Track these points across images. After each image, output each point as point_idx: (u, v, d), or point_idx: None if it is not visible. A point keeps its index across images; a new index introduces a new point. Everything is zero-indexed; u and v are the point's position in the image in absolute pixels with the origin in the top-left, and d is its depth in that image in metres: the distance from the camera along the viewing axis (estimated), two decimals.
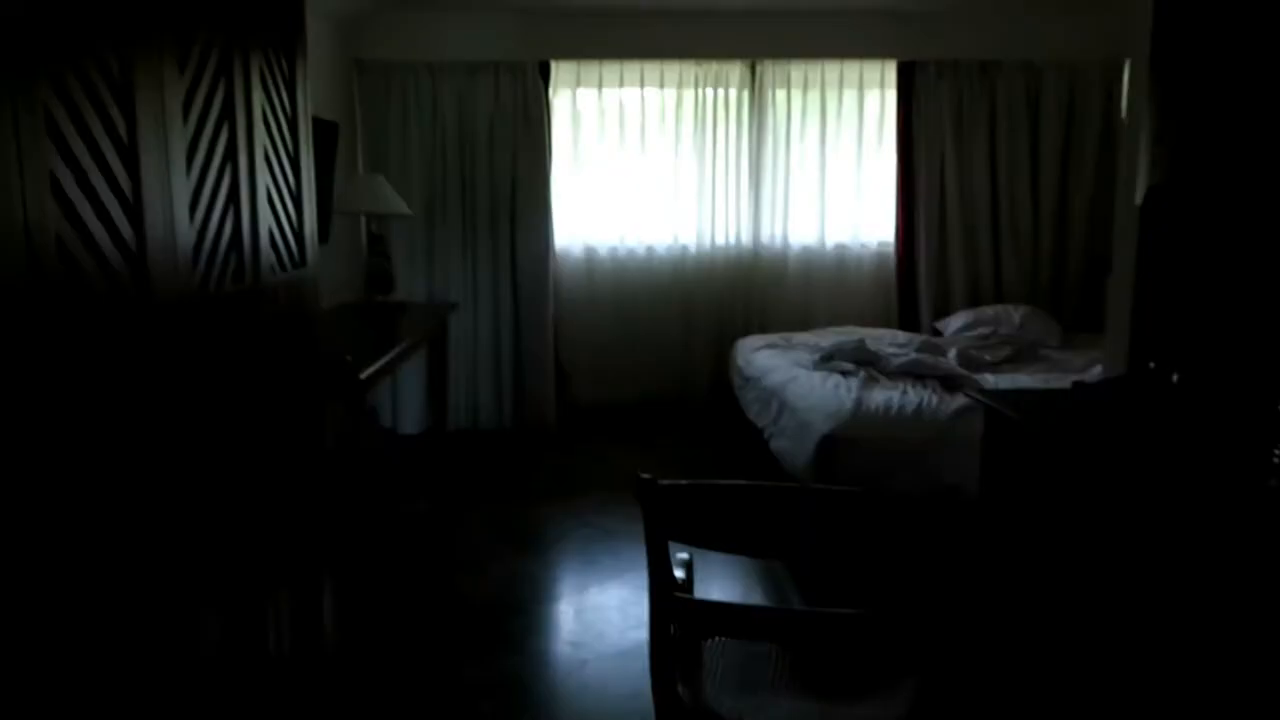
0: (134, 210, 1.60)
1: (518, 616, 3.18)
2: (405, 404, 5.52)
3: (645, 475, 1.63)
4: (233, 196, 2.02)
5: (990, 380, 4.00)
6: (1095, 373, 3.55)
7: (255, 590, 2.10)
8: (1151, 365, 2.41)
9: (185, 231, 1.78)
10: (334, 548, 2.75)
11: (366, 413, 4.41)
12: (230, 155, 2.01)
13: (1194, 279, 2.29)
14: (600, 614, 3.23)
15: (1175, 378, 2.25)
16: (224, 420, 1.96)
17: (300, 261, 2.44)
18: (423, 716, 2.57)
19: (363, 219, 5.22)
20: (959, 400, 3.57)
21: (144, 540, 1.60)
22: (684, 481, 1.63)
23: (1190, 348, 2.28)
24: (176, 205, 1.74)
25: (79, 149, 1.44)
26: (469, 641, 3.00)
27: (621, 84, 5.47)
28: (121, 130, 1.55)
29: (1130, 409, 2.22)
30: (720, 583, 3.18)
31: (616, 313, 5.70)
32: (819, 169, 5.56)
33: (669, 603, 1.68)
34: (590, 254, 5.66)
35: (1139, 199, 2.42)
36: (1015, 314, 5.01)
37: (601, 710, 2.63)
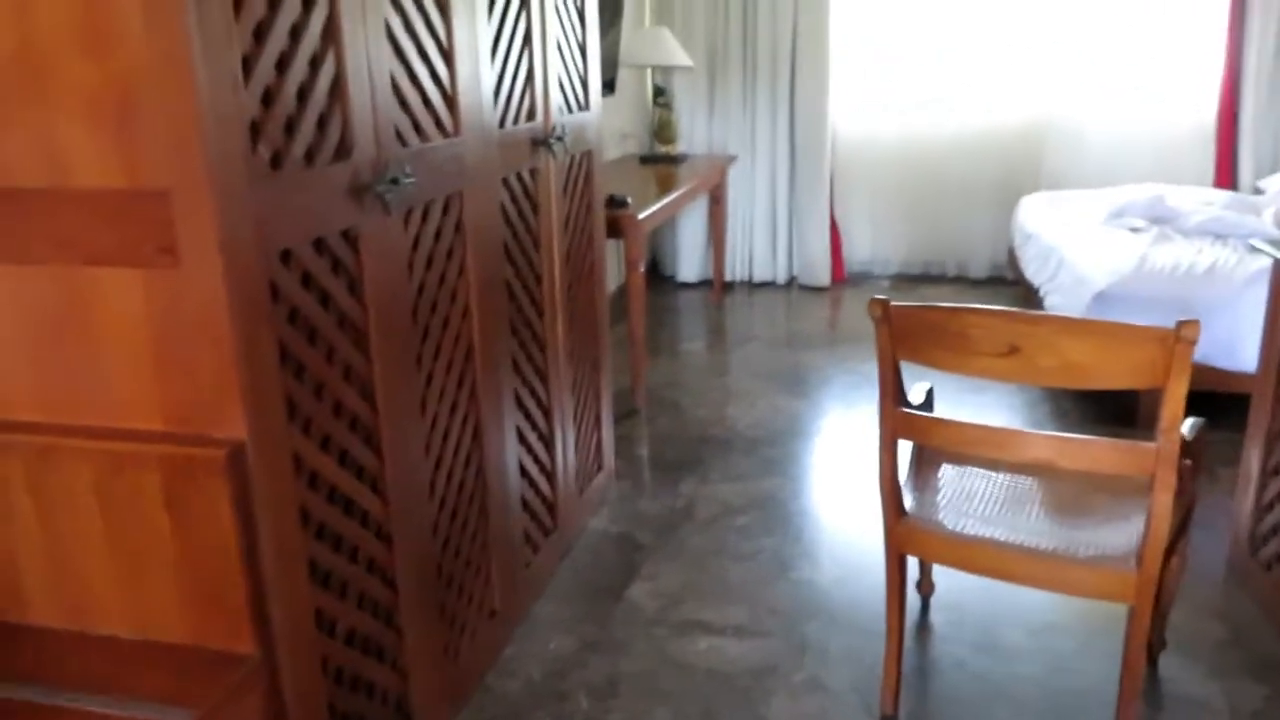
0: (447, 52, 1.88)
1: (778, 445, 3.42)
2: (685, 254, 5.80)
3: (880, 297, 1.75)
4: (526, 42, 2.27)
5: None
6: None
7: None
8: None
9: (487, 72, 2.05)
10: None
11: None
12: (524, 5, 2.26)
13: None
14: (854, 446, 3.40)
15: None
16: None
17: (584, 105, 2.69)
18: (686, 529, 2.88)
19: (648, 72, 5.43)
20: (1261, 261, 3.30)
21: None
22: (915, 304, 1.73)
23: None
24: (480, 48, 2.01)
25: (413, 57, 1.74)
26: (732, 464, 3.28)
27: None
28: (440, 31, 1.84)
29: None
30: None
31: (894, 172, 5.62)
32: (1132, 7, 5.07)
33: (894, 417, 1.82)
34: (869, 117, 5.58)
35: None
36: None
37: (847, 529, 2.83)
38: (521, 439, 2.37)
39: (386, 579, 1.75)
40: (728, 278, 5.69)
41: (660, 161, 5.03)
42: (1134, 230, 3.89)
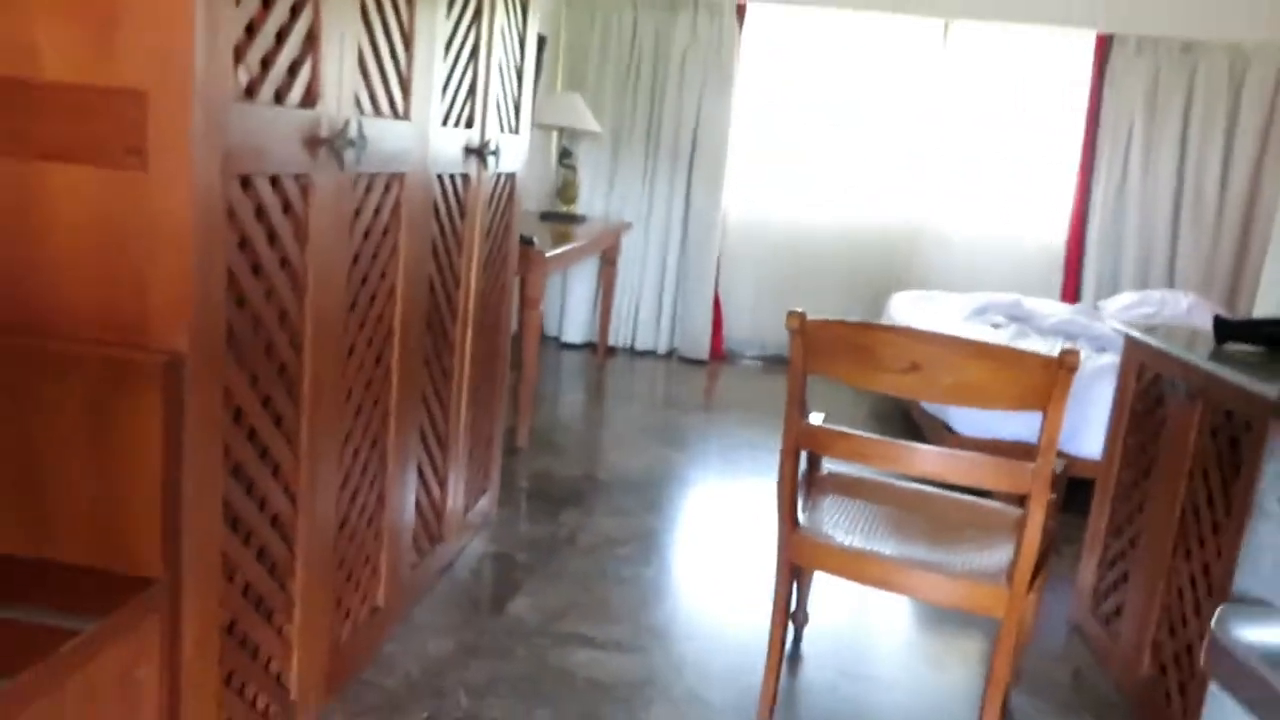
0: (408, 37, 1.95)
1: (659, 489, 3.49)
2: (572, 316, 5.89)
3: (798, 310, 1.88)
4: (473, 54, 2.36)
5: None
6: None
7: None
8: None
9: (440, 67, 2.13)
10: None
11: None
12: (476, 18, 2.36)
13: None
14: (731, 495, 3.51)
15: None
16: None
17: (514, 129, 2.78)
18: (567, 553, 2.89)
19: (554, 135, 5.59)
20: (1107, 358, 3.64)
21: None
22: (831, 319, 1.86)
23: None
24: (436, 43, 2.09)
25: (378, 32, 1.81)
26: (614, 502, 3.32)
27: (812, 38, 5.64)
28: (404, 16, 1.92)
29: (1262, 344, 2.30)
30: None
31: (777, 260, 5.91)
32: (1000, 137, 5.59)
33: (799, 426, 1.93)
34: (759, 203, 5.88)
35: None
36: (1184, 300, 4.93)
37: (725, 566, 2.91)
38: (423, 437, 2.36)
39: (287, 539, 1.71)
40: (611, 343, 5.80)
41: (559, 220, 5.15)
42: (995, 326, 4.22)
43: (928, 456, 1.85)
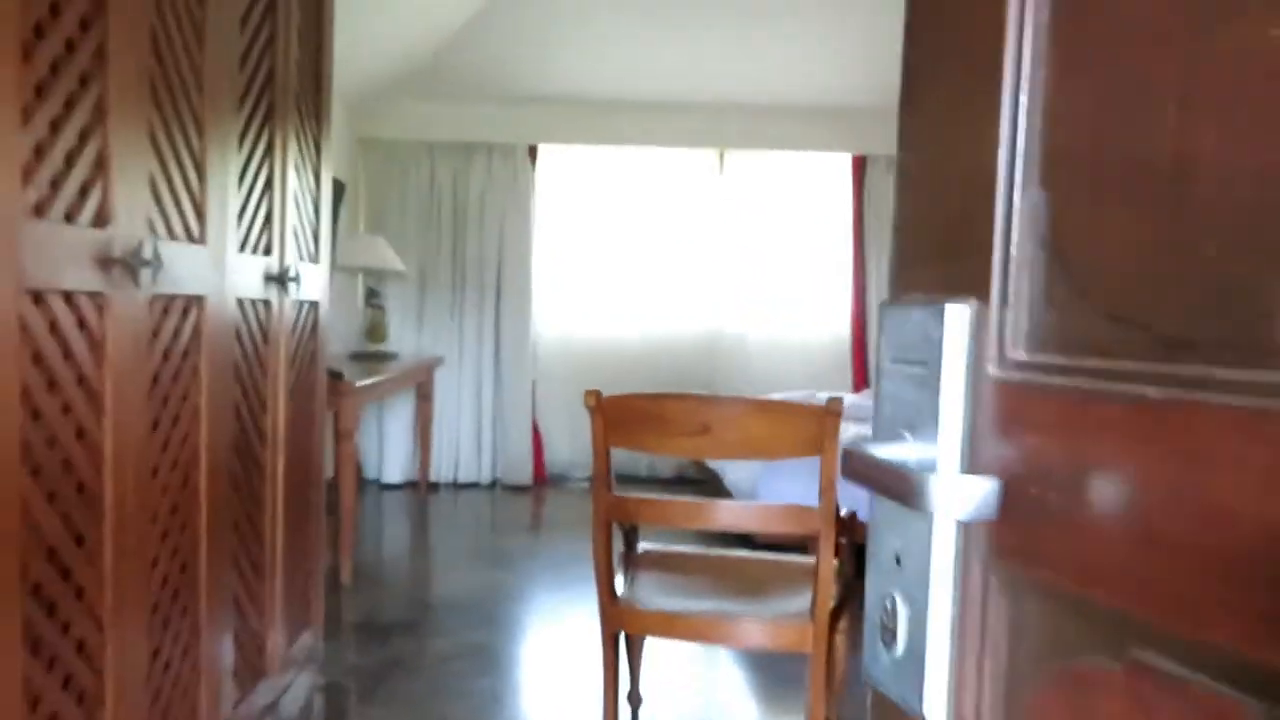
0: (199, 165, 2.04)
1: (487, 607, 3.49)
2: (390, 457, 5.85)
3: (593, 389, 2.03)
4: (268, 184, 2.46)
5: None
6: None
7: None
8: None
9: (234, 195, 2.21)
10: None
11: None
12: (269, 151, 2.47)
13: None
14: (561, 605, 3.54)
15: None
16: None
17: (314, 258, 2.87)
18: (398, 676, 2.85)
19: (360, 278, 5.67)
20: None
21: None
22: (628, 394, 2.02)
23: None
24: (229, 169, 2.18)
25: (169, 160, 1.90)
26: (443, 622, 3.29)
27: (602, 172, 6.04)
28: (195, 146, 2.01)
29: None
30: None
31: (589, 379, 6.11)
32: (781, 247, 6.10)
33: (607, 500, 2.05)
34: (567, 328, 6.12)
35: None
36: None
37: (559, 667, 2.93)
38: (237, 564, 2.32)
39: (95, 666, 1.66)
40: (433, 478, 5.78)
41: (370, 358, 5.18)
42: None
43: (725, 511, 2.00)
